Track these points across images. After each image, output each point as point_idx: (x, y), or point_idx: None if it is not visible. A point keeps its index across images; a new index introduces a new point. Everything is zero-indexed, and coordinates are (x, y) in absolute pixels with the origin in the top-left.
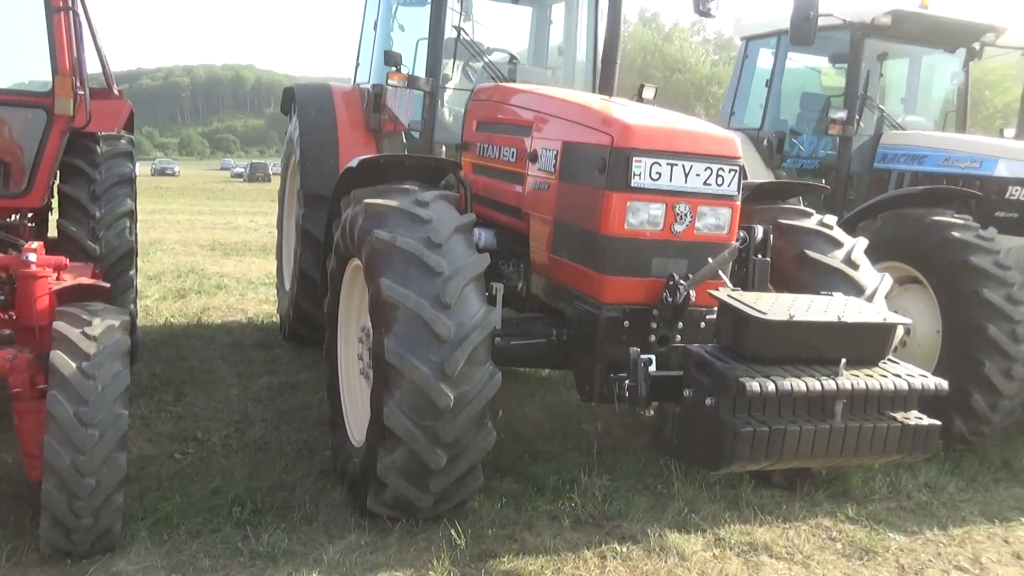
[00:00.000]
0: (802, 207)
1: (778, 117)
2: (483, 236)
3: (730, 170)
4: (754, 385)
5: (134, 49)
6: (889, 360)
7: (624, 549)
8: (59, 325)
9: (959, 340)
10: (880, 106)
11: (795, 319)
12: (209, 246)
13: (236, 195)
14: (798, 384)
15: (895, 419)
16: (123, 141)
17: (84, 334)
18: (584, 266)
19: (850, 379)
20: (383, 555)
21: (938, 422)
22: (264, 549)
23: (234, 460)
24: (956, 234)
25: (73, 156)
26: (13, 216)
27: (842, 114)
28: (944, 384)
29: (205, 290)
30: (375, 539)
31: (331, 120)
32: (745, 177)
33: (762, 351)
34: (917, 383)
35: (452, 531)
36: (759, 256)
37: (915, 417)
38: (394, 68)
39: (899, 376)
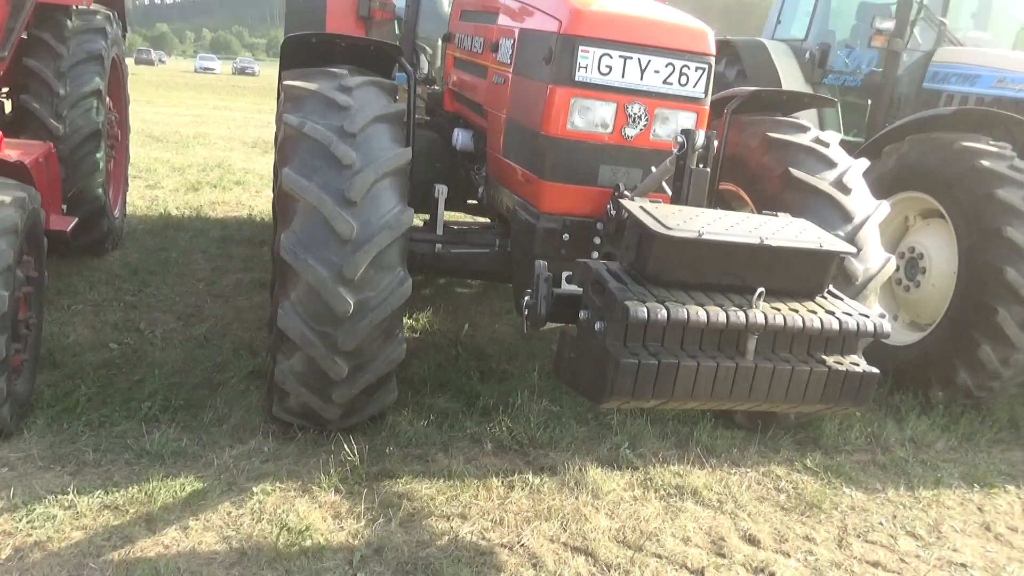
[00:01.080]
0: (799, 121)
1: (826, 27)
2: (460, 137)
3: (697, 68)
4: (640, 310)
5: None
6: (830, 295)
7: (537, 480)
8: None
9: (974, 283)
10: (942, 19)
11: (704, 237)
12: (251, 143)
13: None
14: (697, 313)
15: (821, 362)
16: (99, 17)
17: None
18: (527, 170)
19: (767, 312)
20: (275, 464)
21: (875, 370)
22: (153, 448)
23: (169, 354)
24: (984, 163)
25: (40, 29)
26: None
27: (889, 24)
28: (886, 327)
29: (223, 184)
30: (276, 447)
31: (321, 5)
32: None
33: (666, 272)
34: (851, 323)
35: (358, 446)
36: (699, 165)
37: (849, 363)
38: None
39: (831, 313)
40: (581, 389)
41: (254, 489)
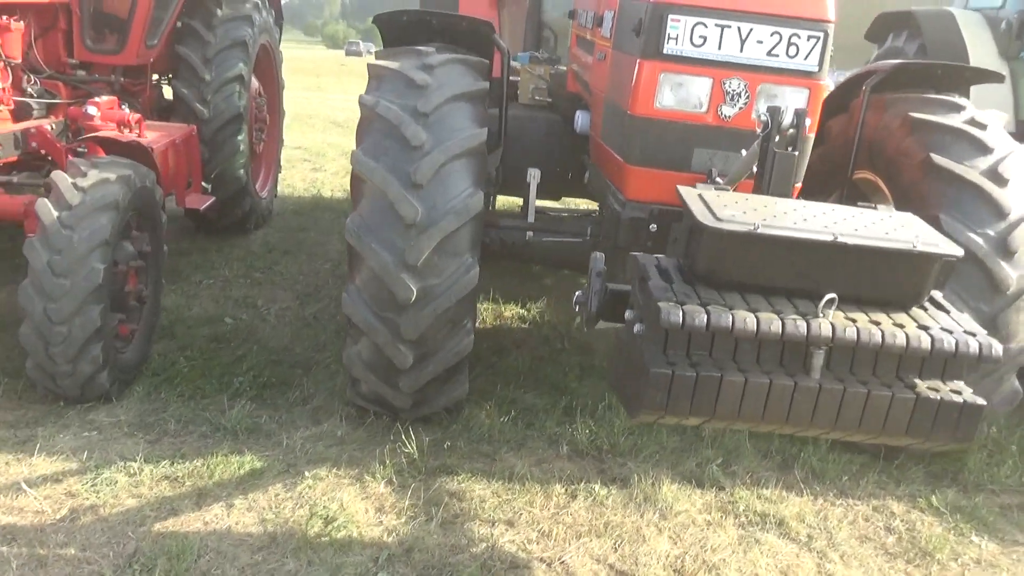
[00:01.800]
0: (952, 98)
1: None
2: (580, 119)
3: (810, 37)
4: (675, 313)
5: None
6: (933, 305)
7: (603, 492)
8: (56, 174)
9: None
10: None
11: (761, 232)
12: None
13: None
14: (745, 320)
15: (910, 388)
16: (247, 5)
17: (75, 185)
18: (616, 153)
19: (836, 323)
20: (339, 449)
21: (981, 401)
22: (230, 423)
23: (278, 332)
24: None
25: (191, 18)
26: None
27: None
28: (996, 349)
29: None
30: (348, 432)
31: None
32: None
33: (718, 270)
34: (947, 342)
35: (427, 437)
36: (788, 149)
37: (949, 390)
38: None
39: (924, 329)
40: (622, 398)
41: (308, 473)
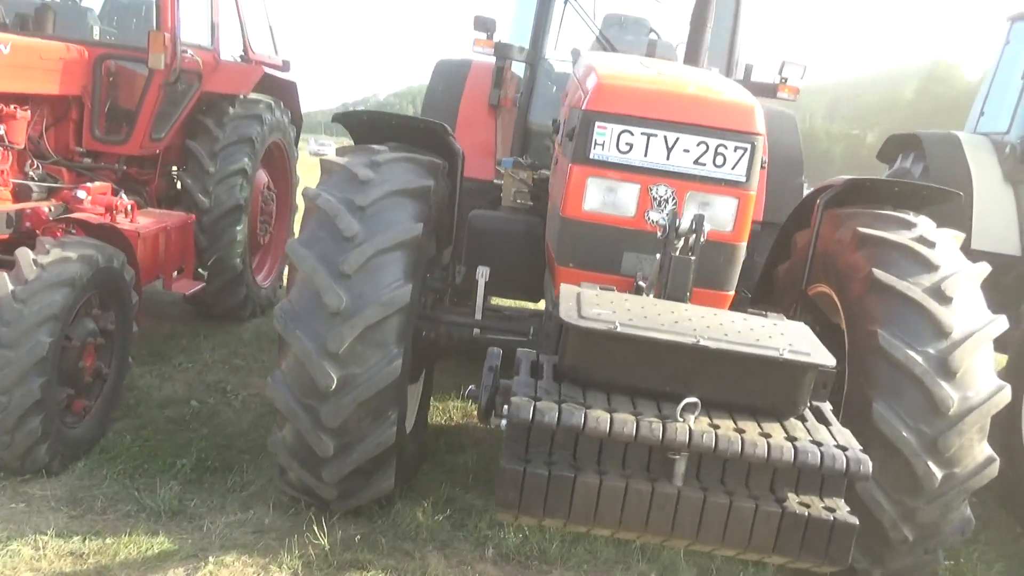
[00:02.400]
0: (905, 215)
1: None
2: None
3: (737, 148)
4: (526, 410)
5: None
6: (816, 415)
7: None
8: (20, 251)
9: None
10: None
11: (620, 331)
12: None
13: None
14: (598, 420)
15: (777, 501)
16: (260, 104)
17: (34, 261)
18: (553, 254)
19: (695, 429)
20: (257, 537)
21: (852, 520)
22: (156, 504)
23: (239, 417)
24: None
25: (204, 115)
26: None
27: None
28: (866, 467)
29: None
30: (273, 520)
31: (457, 94)
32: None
33: (583, 369)
34: (812, 455)
35: (348, 531)
36: (684, 254)
37: (822, 507)
38: (485, 34)
39: (793, 440)
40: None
41: (213, 559)
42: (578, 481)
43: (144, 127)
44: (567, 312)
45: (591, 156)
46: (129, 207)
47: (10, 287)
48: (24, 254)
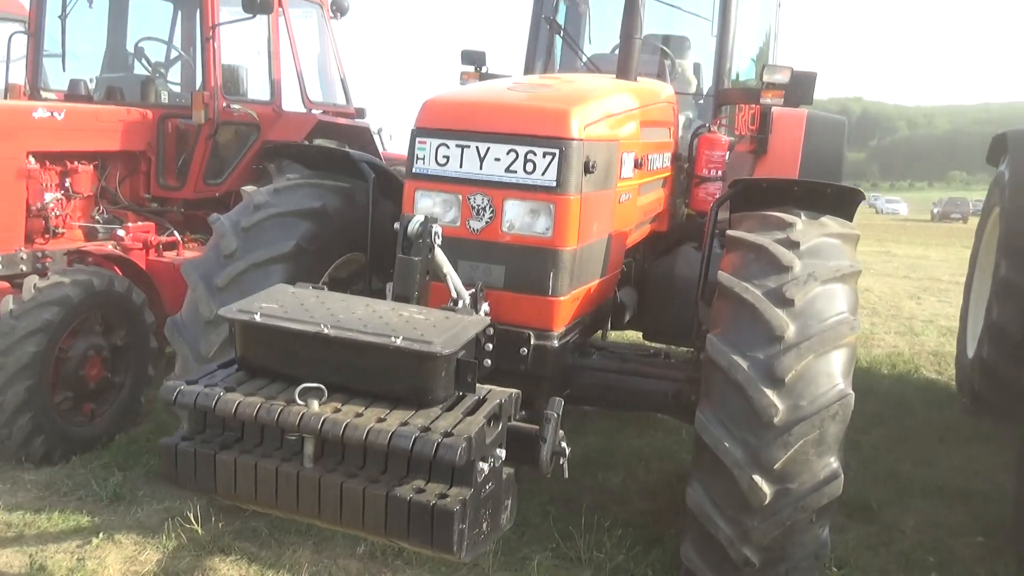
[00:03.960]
0: (787, 216)
1: None
2: None
3: (546, 154)
4: (169, 390)
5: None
6: (461, 407)
7: None
8: (29, 278)
9: None
10: None
11: (259, 321)
12: None
13: None
14: (227, 401)
15: (389, 485)
16: None
17: (34, 286)
18: None
19: (308, 413)
20: (155, 521)
21: (451, 508)
22: (101, 491)
23: None
24: None
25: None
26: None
27: None
28: (459, 455)
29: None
30: (171, 506)
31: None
32: None
33: (249, 358)
34: (405, 439)
35: (220, 523)
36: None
37: (435, 493)
38: (472, 67)
39: (404, 425)
40: None
41: (103, 537)
42: (218, 458)
43: (196, 174)
44: (233, 306)
45: (414, 170)
46: (168, 243)
47: (11, 306)
48: (29, 280)
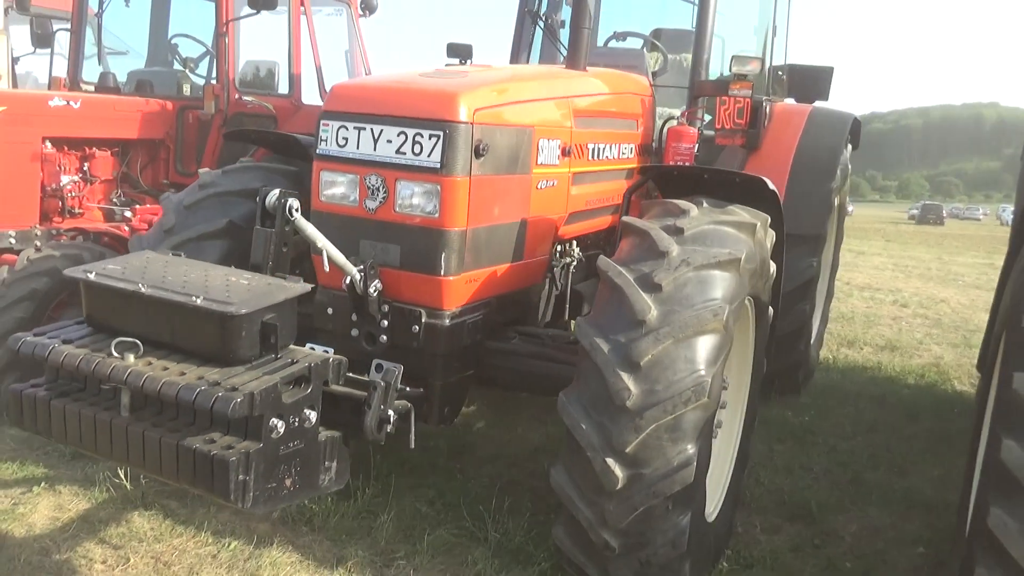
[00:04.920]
0: (684, 202)
1: None
2: None
3: (431, 136)
4: (16, 341)
5: (867, 95)
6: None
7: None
8: (24, 251)
9: None
10: None
11: (91, 279)
12: None
13: (894, 236)
14: (58, 352)
15: (183, 435)
16: None
17: (27, 258)
18: None
19: (139, 368)
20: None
21: (228, 457)
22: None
23: None
24: None
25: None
26: None
27: None
28: (225, 403)
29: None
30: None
31: None
32: None
33: (94, 317)
34: (188, 392)
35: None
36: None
37: (222, 444)
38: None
39: (202, 381)
40: None
41: (26, 501)
42: (52, 405)
43: (210, 162)
44: (81, 267)
45: (318, 151)
46: None
47: (3, 276)
48: (24, 252)
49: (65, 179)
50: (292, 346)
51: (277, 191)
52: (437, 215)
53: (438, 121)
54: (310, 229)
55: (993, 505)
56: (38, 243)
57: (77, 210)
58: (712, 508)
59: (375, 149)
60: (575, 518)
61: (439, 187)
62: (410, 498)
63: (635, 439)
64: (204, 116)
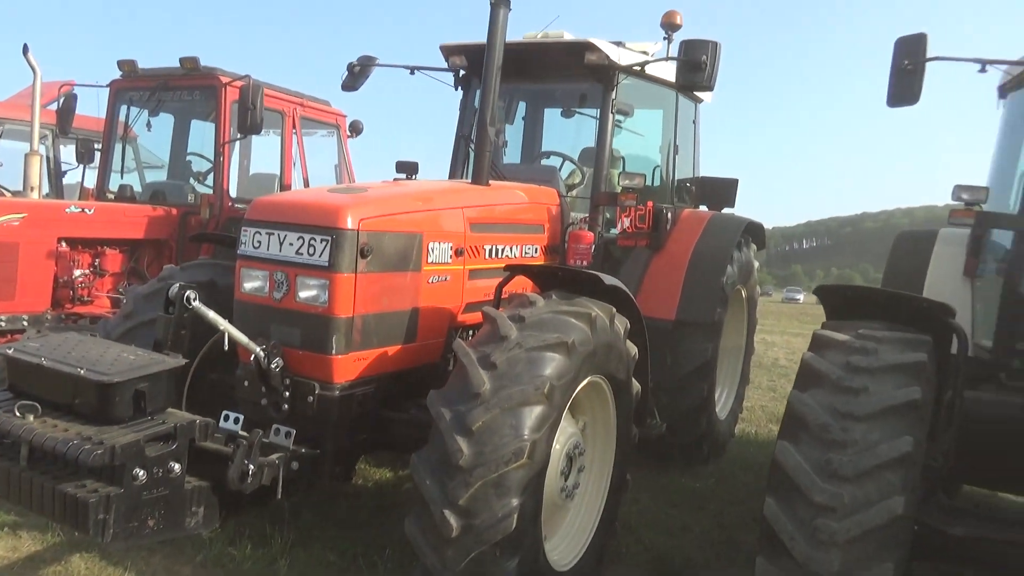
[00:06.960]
0: (538, 297)
1: (1007, 200)
2: None
3: (322, 240)
4: None
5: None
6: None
7: None
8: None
9: None
10: None
11: (10, 354)
12: None
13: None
14: None
15: (61, 482)
16: None
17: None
18: None
19: (37, 427)
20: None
21: (88, 498)
22: None
23: None
24: None
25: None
26: None
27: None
28: (87, 455)
29: None
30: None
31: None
32: None
33: (12, 381)
34: (62, 446)
35: None
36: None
37: (88, 489)
38: (404, 176)
39: (78, 437)
40: None
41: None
42: None
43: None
44: (14, 344)
45: (239, 252)
46: None
47: None
48: (27, 332)
49: (77, 272)
50: (170, 410)
51: (178, 284)
52: (327, 304)
53: (328, 228)
54: (211, 314)
55: None
56: (48, 325)
57: (87, 298)
58: (570, 559)
59: (280, 250)
60: (424, 563)
61: (328, 282)
62: (320, 548)
63: (466, 493)
64: (201, 220)
